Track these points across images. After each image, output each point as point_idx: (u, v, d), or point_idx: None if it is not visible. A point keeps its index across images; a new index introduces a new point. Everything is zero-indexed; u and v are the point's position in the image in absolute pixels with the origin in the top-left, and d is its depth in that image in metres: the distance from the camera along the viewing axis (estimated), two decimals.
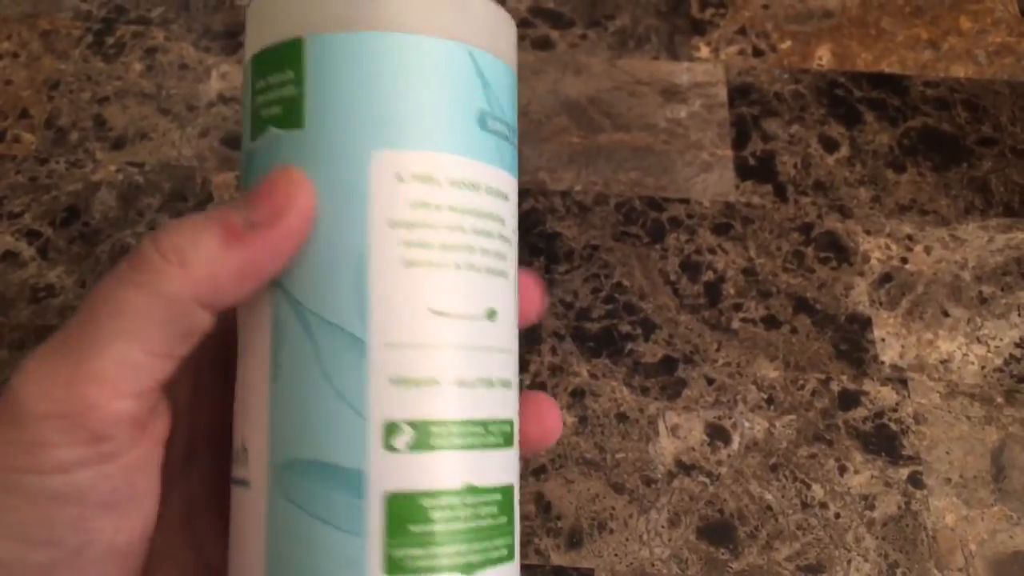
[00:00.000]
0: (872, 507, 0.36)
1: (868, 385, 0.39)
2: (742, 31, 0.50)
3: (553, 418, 0.23)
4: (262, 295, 0.20)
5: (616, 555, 0.35)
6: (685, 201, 0.44)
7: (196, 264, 0.19)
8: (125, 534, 0.19)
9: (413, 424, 0.19)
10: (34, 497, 0.18)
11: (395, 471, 0.19)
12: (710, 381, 0.39)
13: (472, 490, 0.19)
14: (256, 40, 0.20)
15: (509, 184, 0.21)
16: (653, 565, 0.35)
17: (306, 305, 0.19)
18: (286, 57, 0.20)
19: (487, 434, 0.20)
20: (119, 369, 0.18)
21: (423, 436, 0.19)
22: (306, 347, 0.19)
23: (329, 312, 0.19)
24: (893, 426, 0.38)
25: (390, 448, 0.19)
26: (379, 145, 0.19)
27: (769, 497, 0.36)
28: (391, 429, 0.19)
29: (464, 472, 0.19)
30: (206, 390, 0.23)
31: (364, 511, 0.18)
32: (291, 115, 0.19)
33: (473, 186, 0.20)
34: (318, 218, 0.19)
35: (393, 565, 0.18)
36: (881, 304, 0.41)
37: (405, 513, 0.19)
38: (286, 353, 0.19)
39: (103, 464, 0.19)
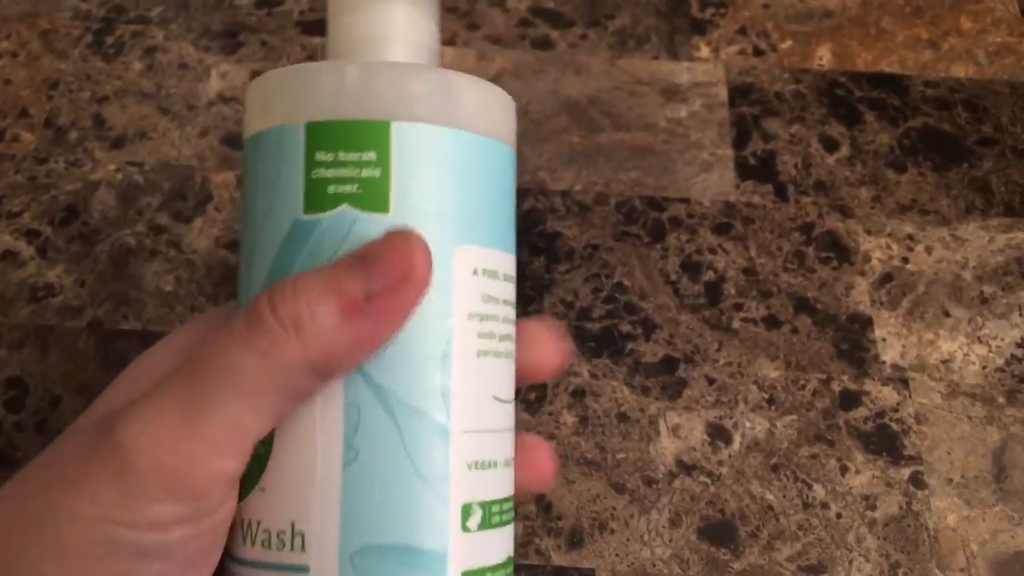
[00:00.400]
0: (873, 507, 0.36)
1: (869, 385, 0.39)
2: (742, 31, 0.50)
3: (548, 469, 0.23)
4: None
5: (617, 555, 0.35)
6: (685, 201, 0.44)
7: (313, 335, 0.18)
8: None
9: (482, 505, 0.20)
10: (125, 552, 0.18)
11: (468, 551, 0.20)
12: (711, 381, 0.39)
13: (511, 560, 0.21)
14: (316, 108, 0.20)
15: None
16: (654, 565, 0.35)
17: (392, 390, 0.19)
18: (369, 137, 0.20)
19: (512, 509, 0.22)
20: (227, 430, 0.18)
21: (487, 515, 0.20)
22: (390, 432, 0.19)
23: (416, 398, 0.19)
24: (894, 426, 0.38)
25: (465, 529, 0.20)
26: (460, 240, 0.20)
27: (770, 497, 0.36)
28: (467, 511, 0.20)
29: (506, 546, 0.21)
30: None
31: None
32: (373, 198, 0.20)
33: (510, 279, 0.22)
34: None
35: None
36: (882, 304, 0.41)
37: None
38: (366, 437, 0.19)
39: (197, 522, 0.19)
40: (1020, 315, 0.41)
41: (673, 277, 0.41)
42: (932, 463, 0.37)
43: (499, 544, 0.21)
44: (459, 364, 0.20)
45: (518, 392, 0.38)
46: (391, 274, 0.19)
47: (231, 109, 0.46)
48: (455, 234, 0.20)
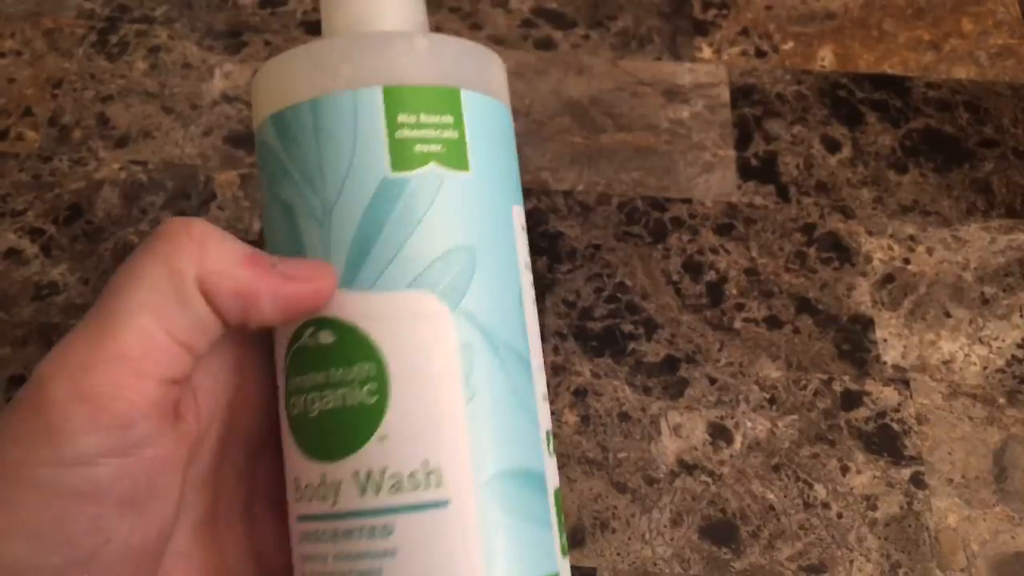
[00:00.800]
0: (874, 507, 0.36)
1: (870, 385, 0.39)
2: (744, 32, 0.50)
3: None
4: (436, 322, 0.21)
5: (618, 554, 0.35)
6: (687, 201, 0.44)
7: (212, 254, 0.19)
8: (140, 535, 0.19)
9: (549, 433, 0.23)
10: (52, 494, 0.18)
11: (552, 472, 0.22)
12: (712, 381, 0.39)
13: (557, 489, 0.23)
14: (390, 74, 0.21)
15: None
16: (655, 564, 0.35)
17: (494, 331, 0.21)
18: (445, 102, 0.22)
19: None
20: (141, 346, 0.18)
21: (552, 442, 0.23)
22: (498, 369, 0.21)
23: (511, 337, 0.22)
24: (895, 426, 0.38)
25: (550, 453, 0.22)
26: (514, 200, 0.23)
27: (771, 497, 0.36)
28: (548, 437, 0.22)
29: (555, 471, 0.23)
30: (240, 403, 0.22)
31: (547, 507, 0.21)
32: (456, 157, 0.21)
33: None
34: (487, 255, 0.21)
35: (563, 550, 0.22)
36: (883, 305, 0.41)
37: (560, 506, 0.22)
38: (481, 375, 0.21)
39: (125, 457, 0.18)
40: (1021, 316, 0.41)
41: (675, 277, 0.41)
42: (933, 463, 0.37)
43: (556, 470, 0.23)
44: (528, 306, 0.23)
45: None
46: (306, 272, 0.20)
47: (234, 108, 0.46)
48: (511, 193, 0.23)
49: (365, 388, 0.20)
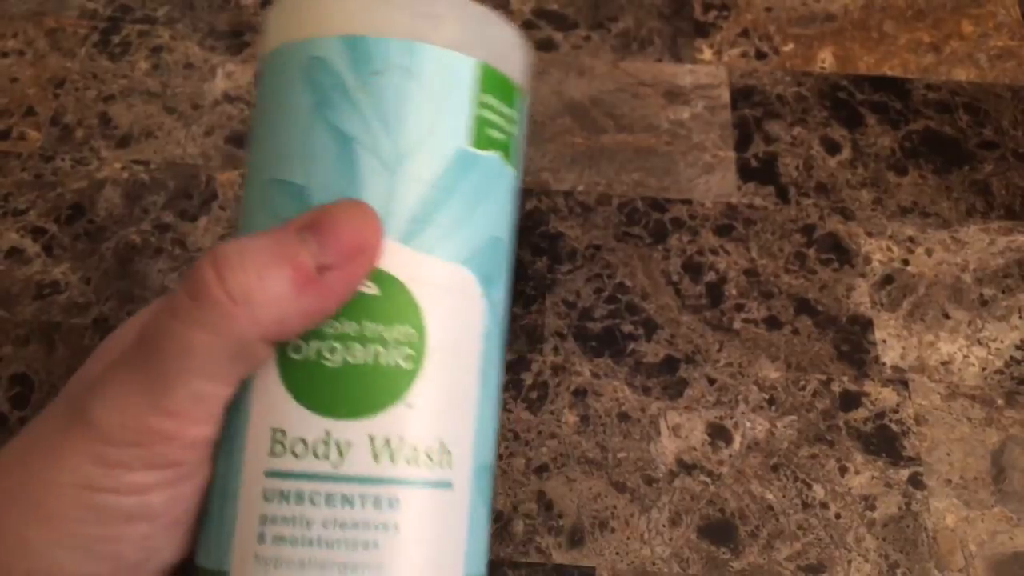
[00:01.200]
0: (873, 507, 0.36)
1: (869, 386, 0.39)
2: (745, 34, 0.50)
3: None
4: (474, 303, 0.20)
5: (617, 554, 0.35)
6: (687, 202, 0.44)
7: (264, 308, 0.18)
8: (176, 552, 0.20)
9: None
10: (109, 516, 0.18)
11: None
12: (711, 381, 0.39)
13: None
14: (489, 52, 0.21)
15: None
16: (654, 564, 0.35)
17: (502, 327, 0.21)
18: (514, 98, 0.22)
19: None
20: (191, 403, 0.19)
21: None
22: (498, 363, 0.21)
23: (505, 335, 0.22)
24: (894, 427, 0.38)
25: None
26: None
27: (770, 497, 0.36)
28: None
29: None
30: None
31: (491, 506, 0.22)
32: (511, 152, 0.22)
33: None
34: (510, 253, 0.22)
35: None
36: (882, 306, 0.41)
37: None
38: (490, 366, 0.21)
39: (177, 486, 0.19)
40: (1020, 317, 0.41)
41: (675, 278, 0.42)
42: (931, 464, 0.37)
43: None
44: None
45: (519, 390, 0.39)
46: (344, 246, 0.19)
47: (236, 108, 0.46)
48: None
49: (402, 351, 0.19)
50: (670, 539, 0.35)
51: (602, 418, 0.38)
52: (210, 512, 0.20)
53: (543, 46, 0.49)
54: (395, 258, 0.20)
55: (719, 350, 0.40)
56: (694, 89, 0.48)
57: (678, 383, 0.39)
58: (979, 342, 0.40)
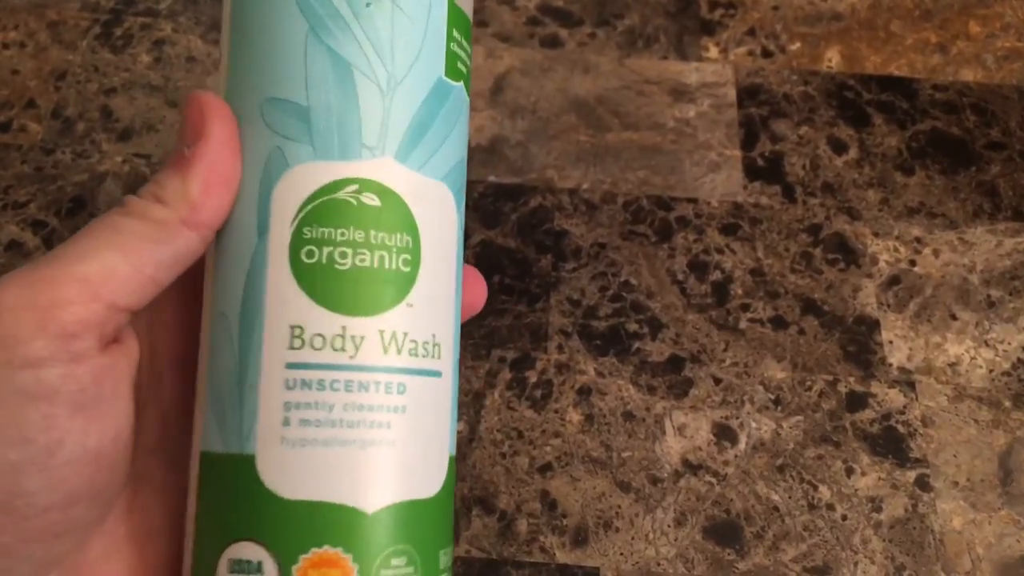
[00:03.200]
0: (879, 509, 0.36)
1: (876, 387, 0.38)
2: (751, 32, 0.50)
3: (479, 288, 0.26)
4: (451, 215, 0.23)
5: (622, 554, 0.35)
6: (693, 201, 0.44)
7: (173, 198, 0.21)
8: (95, 437, 0.20)
9: None
10: (4, 393, 0.19)
11: None
12: (717, 381, 0.39)
13: None
14: None
15: None
16: (659, 564, 0.34)
17: (464, 238, 0.24)
18: (470, 34, 0.24)
19: None
20: (102, 275, 0.20)
21: None
22: (462, 269, 0.24)
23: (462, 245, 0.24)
24: (901, 428, 0.38)
25: None
26: None
27: (776, 498, 0.36)
28: None
29: None
30: (170, 322, 0.24)
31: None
32: (468, 84, 0.24)
33: None
34: (464, 176, 0.24)
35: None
36: (889, 306, 0.41)
37: None
38: (460, 268, 0.24)
39: (72, 364, 0.19)
40: None
41: (680, 277, 0.41)
42: (938, 466, 0.37)
43: None
44: None
45: (523, 388, 0.38)
46: (190, 132, 0.21)
47: None
48: None
49: (402, 257, 0.22)
50: (675, 539, 0.35)
51: (607, 417, 0.38)
52: (222, 404, 0.22)
53: (548, 43, 0.49)
54: (393, 173, 0.22)
55: (725, 349, 0.39)
56: (700, 87, 0.47)
57: (683, 382, 0.38)
58: (986, 344, 0.40)
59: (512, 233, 0.42)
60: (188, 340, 0.23)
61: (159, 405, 0.23)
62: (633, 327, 0.40)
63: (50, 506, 0.20)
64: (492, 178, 0.44)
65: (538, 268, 0.41)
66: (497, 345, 0.39)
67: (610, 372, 0.39)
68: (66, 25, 0.49)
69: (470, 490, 0.36)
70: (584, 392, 0.38)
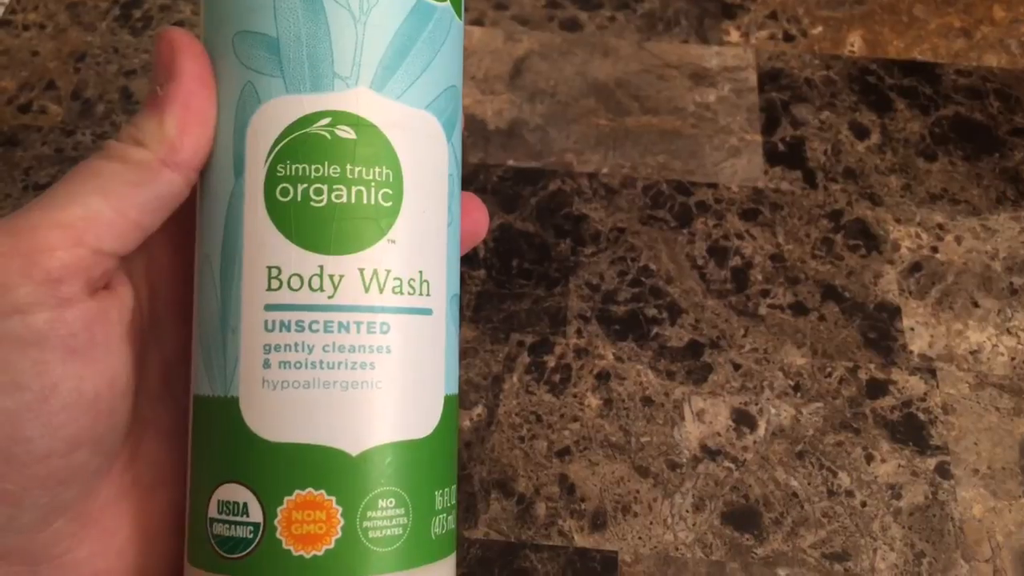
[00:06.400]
0: (899, 496, 0.36)
1: (896, 374, 0.38)
2: (773, 16, 0.49)
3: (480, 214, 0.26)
4: (439, 145, 0.22)
5: (640, 538, 0.35)
6: (713, 186, 0.43)
7: (152, 140, 0.21)
8: (90, 382, 0.20)
9: None
10: None
11: None
12: (736, 367, 0.38)
13: None
14: None
15: None
16: (677, 549, 0.34)
17: (459, 170, 0.23)
18: None
19: None
20: (85, 220, 0.20)
21: None
22: (458, 204, 0.23)
23: (459, 177, 0.24)
24: (921, 416, 0.37)
25: None
26: None
27: (795, 484, 0.36)
28: None
29: None
30: (168, 264, 0.24)
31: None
32: (458, 6, 0.23)
33: None
34: (460, 99, 0.23)
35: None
36: (911, 293, 0.40)
37: None
38: (454, 205, 0.23)
39: (59, 308, 0.19)
40: None
41: (700, 262, 0.41)
42: (959, 453, 0.37)
43: None
44: None
45: (542, 373, 0.38)
46: (161, 71, 0.21)
47: None
48: None
49: (382, 191, 0.21)
50: (693, 524, 0.35)
51: (625, 402, 0.38)
52: (208, 347, 0.21)
53: (568, 26, 0.49)
54: (369, 104, 0.21)
55: (744, 335, 0.39)
56: (721, 71, 0.47)
57: (702, 368, 0.38)
58: (1008, 331, 0.39)
59: (531, 217, 0.42)
60: (187, 283, 0.23)
61: (161, 349, 0.23)
62: (652, 312, 0.40)
63: (50, 452, 0.20)
64: (511, 162, 0.44)
65: (557, 252, 0.41)
66: (516, 329, 0.39)
67: (629, 357, 0.39)
68: (85, 6, 0.49)
69: (488, 473, 0.36)
70: (603, 377, 0.38)
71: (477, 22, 0.49)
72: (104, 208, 0.20)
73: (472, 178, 0.43)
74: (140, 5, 0.49)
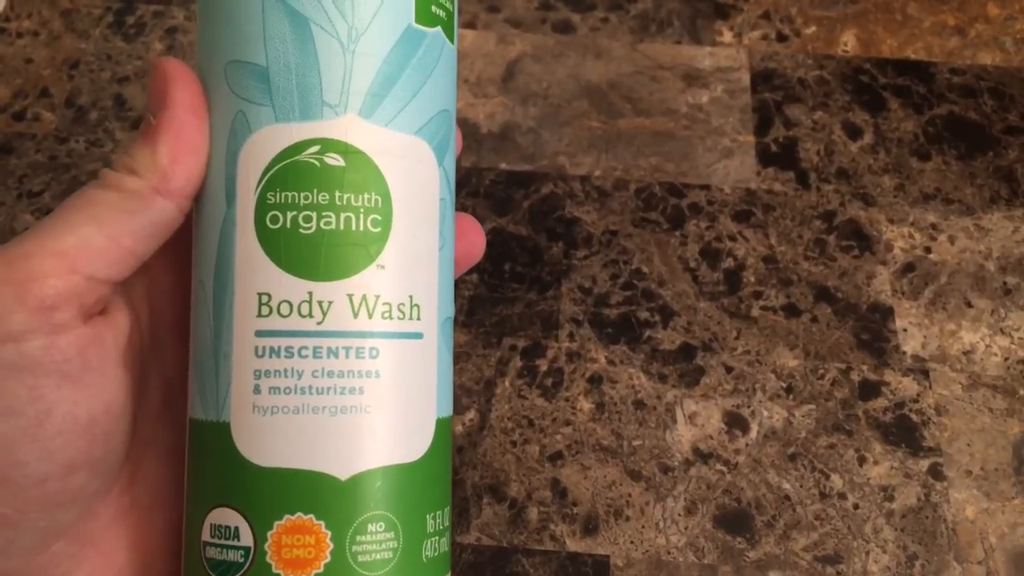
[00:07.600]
0: (891, 498, 0.35)
1: (889, 375, 0.38)
2: (766, 16, 0.49)
3: (476, 235, 0.26)
4: (429, 171, 0.22)
5: (632, 542, 0.35)
6: (706, 187, 0.43)
7: (145, 169, 0.21)
8: (85, 407, 0.20)
9: None
10: None
11: None
12: (729, 369, 0.38)
13: None
14: None
15: None
16: (669, 553, 0.34)
17: (453, 195, 0.24)
18: None
19: None
20: (78, 248, 0.20)
21: None
22: (451, 227, 0.24)
23: (453, 202, 0.24)
24: (914, 417, 0.37)
25: None
26: None
27: (787, 487, 0.36)
28: None
29: None
30: (169, 288, 0.24)
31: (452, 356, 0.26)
32: (450, 29, 0.23)
33: None
34: (454, 125, 0.24)
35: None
36: (903, 294, 0.40)
37: None
38: (446, 228, 0.23)
39: (53, 335, 0.20)
40: None
41: (692, 264, 0.41)
42: (951, 455, 0.36)
43: None
44: None
45: (534, 377, 0.38)
46: (154, 100, 0.21)
47: None
48: None
49: (371, 217, 0.21)
50: (685, 528, 0.35)
51: (617, 405, 0.38)
52: (202, 372, 0.22)
53: (560, 28, 0.49)
54: (358, 132, 0.21)
55: (736, 337, 0.39)
56: (713, 72, 0.47)
57: (695, 371, 0.38)
58: (1002, 331, 0.39)
59: (523, 220, 0.42)
60: (188, 305, 0.24)
61: (162, 370, 0.24)
62: (644, 315, 0.40)
63: (47, 476, 0.20)
64: (503, 165, 0.44)
65: (549, 256, 0.41)
66: (508, 333, 0.39)
67: (621, 360, 0.39)
68: (79, 14, 0.49)
69: (481, 478, 0.36)
70: (595, 380, 0.38)
71: (470, 25, 0.49)
72: (97, 236, 0.20)
73: (464, 182, 0.43)
74: (133, 12, 0.49)
